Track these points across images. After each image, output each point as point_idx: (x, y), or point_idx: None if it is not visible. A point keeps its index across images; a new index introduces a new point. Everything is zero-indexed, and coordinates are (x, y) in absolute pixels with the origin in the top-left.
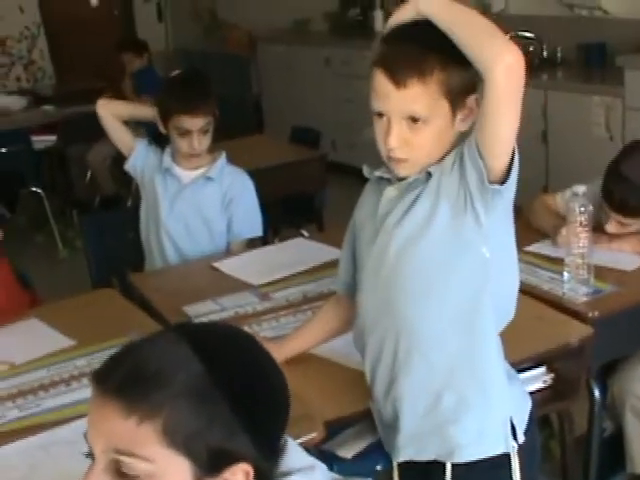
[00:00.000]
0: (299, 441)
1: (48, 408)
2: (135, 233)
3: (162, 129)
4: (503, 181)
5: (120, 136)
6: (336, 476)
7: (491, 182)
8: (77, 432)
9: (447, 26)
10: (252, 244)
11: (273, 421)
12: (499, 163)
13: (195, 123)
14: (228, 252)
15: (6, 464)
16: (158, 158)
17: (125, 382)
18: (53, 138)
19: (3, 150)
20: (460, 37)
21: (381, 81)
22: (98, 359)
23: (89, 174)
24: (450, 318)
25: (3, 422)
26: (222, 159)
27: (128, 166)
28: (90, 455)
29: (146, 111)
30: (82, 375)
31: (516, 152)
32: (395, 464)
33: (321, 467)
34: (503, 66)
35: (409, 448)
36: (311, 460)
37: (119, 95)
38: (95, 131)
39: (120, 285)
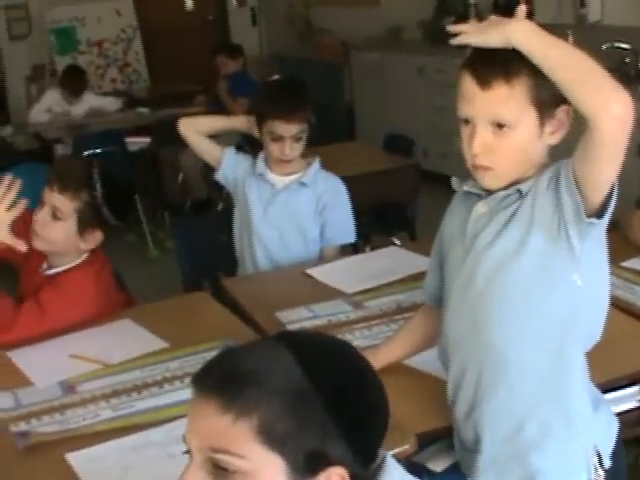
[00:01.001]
0: (390, 453)
1: (141, 409)
2: (228, 237)
3: (256, 133)
4: (600, 211)
5: (206, 150)
6: None
7: (588, 214)
8: (169, 434)
9: (546, 65)
10: (343, 251)
11: (370, 427)
12: (597, 197)
13: (289, 129)
14: (321, 258)
15: (100, 465)
16: (249, 164)
17: (221, 380)
18: (147, 140)
19: (98, 151)
20: (562, 80)
21: (467, 83)
22: (191, 362)
23: (181, 177)
24: (537, 346)
25: (97, 421)
26: (316, 165)
27: (219, 176)
28: (188, 452)
29: (229, 122)
30: (175, 378)
31: (615, 186)
32: None
33: None
34: (611, 117)
35: (489, 473)
36: (405, 475)
37: (213, 98)
38: None
39: (212, 288)
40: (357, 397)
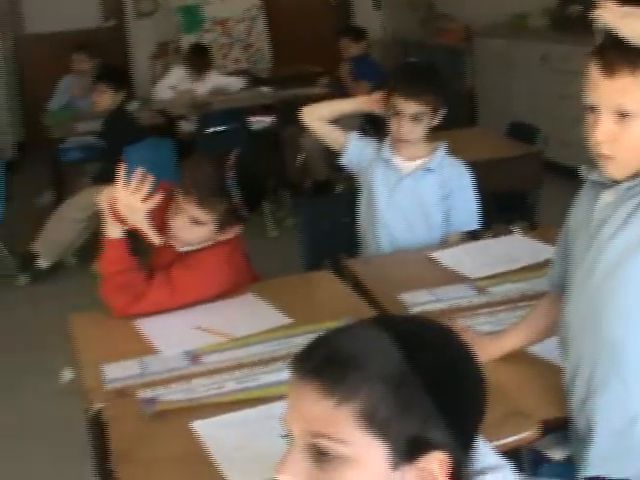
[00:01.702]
0: (511, 439)
1: (266, 383)
2: (350, 219)
3: (379, 111)
4: None
5: (329, 137)
6: (524, 477)
7: None
8: None
9: None
10: (465, 238)
11: (471, 412)
12: None
13: (407, 107)
14: (444, 244)
15: (224, 434)
16: (375, 148)
17: (323, 364)
18: (270, 119)
19: (220, 129)
20: None
21: (593, 70)
22: (307, 343)
23: (301, 157)
24: None
25: (221, 392)
26: (442, 150)
27: (344, 161)
28: (287, 437)
29: (351, 104)
30: None
31: None
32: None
33: (508, 467)
34: None
35: (600, 466)
36: (498, 459)
37: (336, 80)
38: None
39: (333, 268)
40: (459, 381)
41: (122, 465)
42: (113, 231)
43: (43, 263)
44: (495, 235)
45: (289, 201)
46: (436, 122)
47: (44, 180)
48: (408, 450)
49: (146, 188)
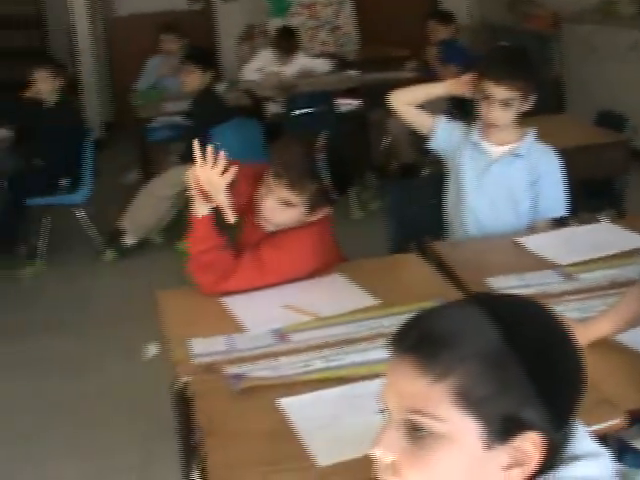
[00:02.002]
0: (597, 427)
1: (354, 362)
2: (437, 202)
3: (467, 94)
4: None
5: (418, 121)
6: (621, 467)
7: None
8: (379, 389)
9: None
10: (552, 225)
11: (568, 393)
12: None
13: (497, 92)
14: (531, 230)
15: (311, 412)
16: (463, 132)
17: (419, 341)
18: (357, 102)
19: (308, 110)
20: None
21: None
22: (404, 321)
23: (387, 140)
24: None
25: (308, 370)
26: (531, 136)
27: (432, 145)
28: (383, 412)
29: (438, 88)
30: (387, 334)
31: None
32: None
33: (606, 455)
34: None
35: None
36: (597, 447)
37: (423, 64)
38: None
39: (419, 251)
40: (557, 361)
41: (209, 438)
42: (200, 209)
43: (130, 240)
44: (582, 223)
45: (375, 184)
46: (526, 108)
47: (131, 159)
48: (502, 429)
49: (222, 163)
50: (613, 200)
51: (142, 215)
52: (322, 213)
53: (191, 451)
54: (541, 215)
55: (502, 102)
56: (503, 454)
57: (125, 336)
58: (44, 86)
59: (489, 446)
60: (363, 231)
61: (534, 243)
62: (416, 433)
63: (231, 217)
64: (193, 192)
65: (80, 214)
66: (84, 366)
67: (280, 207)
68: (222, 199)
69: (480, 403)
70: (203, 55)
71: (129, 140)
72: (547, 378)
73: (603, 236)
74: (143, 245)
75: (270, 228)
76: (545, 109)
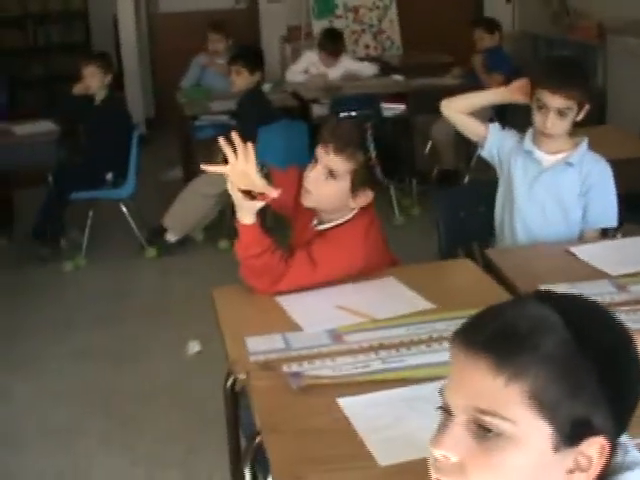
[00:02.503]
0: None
1: (411, 365)
2: (484, 209)
3: (520, 100)
4: None
5: (469, 128)
6: None
7: None
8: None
9: None
10: (601, 235)
11: (631, 398)
12: None
13: (553, 101)
14: (580, 239)
15: (371, 412)
16: (516, 140)
17: (495, 339)
18: (402, 107)
19: (353, 113)
20: None
21: None
22: (458, 325)
23: (429, 145)
24: None
25: (367, 371)
26: (584, 145)
27: (484, 153)
28: (443, 409)
29: (488, 96)
30: (442, 338)
31: None
32: None
33: None
34: None
35: None
36: None
37: (468, 71)
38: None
39: (468, 257)
40: (624, 367)
41: (269, 435)
42: (245, 216)
43: (172, 237)
44: (626, 235)
45: (416, 189)
46: (580, 117)
47: (172, 156)
48: (572, 433)
49: (250, 149)
50: None
51: (185, 213)
52: (365, 198)
53: (237, 447)
54: (591, 224)
55: (558, 111)
56: (569, 458)
57: (166, 332)
58: (93, 81)
59: (557, 449)
60: (405, 236)
61: (585, 253)
62: (484, 433)
63: (274, 192)
64: (234, 197)
65: (124, 209)
66: (124, 361)
67: (324, 179)
68: (259, 182)
69: (552, 406)
70: (252, 55)
71: (169, 137)
72: (615, 383)
73: None
74: (185, 243)
75: (310, 204)
76: (587, 121)
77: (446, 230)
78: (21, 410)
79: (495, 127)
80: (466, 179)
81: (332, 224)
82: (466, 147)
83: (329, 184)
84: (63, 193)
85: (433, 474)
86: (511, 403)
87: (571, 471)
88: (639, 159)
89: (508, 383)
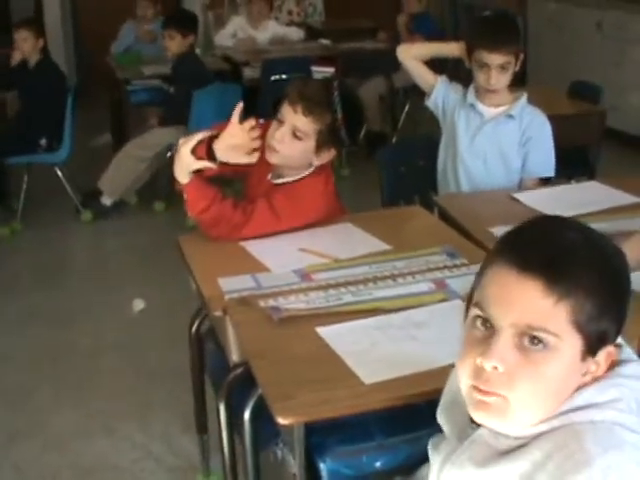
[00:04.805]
0: None
1: (379, 297)
2: (427, 162)
3: (467, 64)
4: None
5: (421, 75)
6: None
7: None
8: (409, 320)
9: None
10: (539, 184)
11: (627, 305)
12: None
13: (493, 58)
14: (521, 188)
15: (350, 338)
16: (461, 94)
17: (547, 262)
18: (331, 70)
19: (284, 76)
20: None
21: None
22: (417, 263)
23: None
24: None
25: (340, 303)
26: (523, 99)
27: (429, 102)
28: (481, 319)
29: (449, 48)
30: (405, 274)
31: None
32: None
33: None
34: None
35: None
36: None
37: (394, 35)
38: (370, 68)
39: (421, 204)
40: (627, 282)
41: (257, 361)
42: (181, 176)
43: (107, 200)
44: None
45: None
46: (518, 68)
47: (98, 122)
48: (595, 345)
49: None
50: (586, 169)
51: (120, 176)
52: (328, 156)
53: (201, 391)
54: (530, 174)
55: (499, 67)
56: (586, 365)
57: (106, 293)
58: (26, 46)
59: (583, 358)
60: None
61: (529, 198)
62: (531, 346)
63: (253, 158)
64: (183, 157)
65: (60, 173)
66: (69, 322)
67: (290, 139)
68: (244, 160)
69: (587, 322)
70: (185, 19)
71: (94, 103)
72: (626, 297)
73: (593, 194)
74: (119, 206)
75: (276, 160)
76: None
77: (388, 183)
78: None
79: (443, 79)
80: (394, 140)
81: (291, 179)
82: (391, 110)
83: (294, 143)
84: None
85: (477, 386)
86: (558, 320)
87: (584, 374)
88: (569, 116)
89: (557, 303)
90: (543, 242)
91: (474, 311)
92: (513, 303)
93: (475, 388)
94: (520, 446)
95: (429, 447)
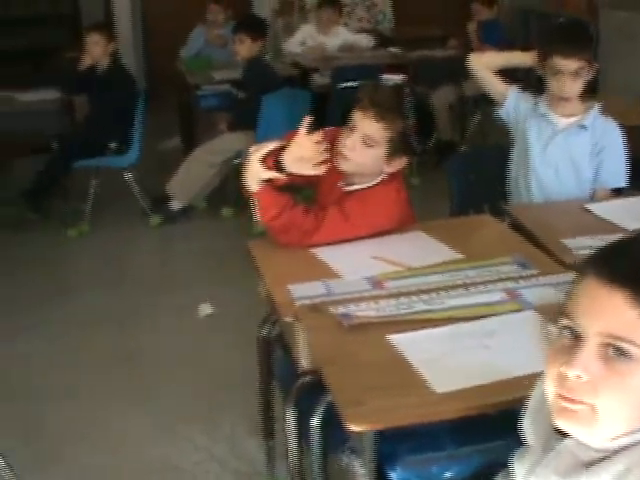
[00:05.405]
0: None
1: (452, 305)
2: (497, 171)
3: (541, 72)
4: None
5: (492, 85)
6: None
7: None
8: (483, 329)
9: None
10: (611, 195)
11: None
12: None
13: (566, 65)
14: (593, 199)
15: (422, 347)
16: (532, 103)
17: (634, 272)
18: (401, 77)
19: (354, 84)
20: None
21: None
22: (488, 272)
23: None
24: None
25: (412, 312)
26: (595, 108)
27: (501, 112)
28: (568, 329)
29: (521, 57)
30: (477, 283)
31: None
32: None
33: None
34: None
35: None
36: None
37: (461, 42)
38: (440, 76)
39: (491, 214)
40: None
41: (327, 367)
42: (251, 184)
43: (176, 205)
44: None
45: (415, 159)
46: (591, 76)
47: (168, 126)
48: None
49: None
50: None
51: (189, 181)
52: (399, 164)
53: (269, 395)
54: (602, 184)
55: (573, 74)
56: None
57: (173, 296)
58: (97, 50)
59: None
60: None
61: (601, 209)
62: (617, 357)
63: (321, 169)
64: (253, 165)
65: (128, 177)
66: (139, 322)
67: (361, 146)
68: (311, 172)
69: None
70: (255, 24)
71: (163, 107)
72: None
73: None
74: (187, 211)
75: (347, 168)
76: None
77: (458, 192)
78: (39, 371)
79: (515, 89)
80: (462, 150)
81: (363, 186)
82: (460, 119)
83: (365, 151)
84: (67, 160)
85: (561, 394)
86: None
87: None
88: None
89: None
90: (633, 254)
91: (563, 321)
92: (600, 313)
93: (560, 396)
94: (603, 459)
95: (515, 458)
